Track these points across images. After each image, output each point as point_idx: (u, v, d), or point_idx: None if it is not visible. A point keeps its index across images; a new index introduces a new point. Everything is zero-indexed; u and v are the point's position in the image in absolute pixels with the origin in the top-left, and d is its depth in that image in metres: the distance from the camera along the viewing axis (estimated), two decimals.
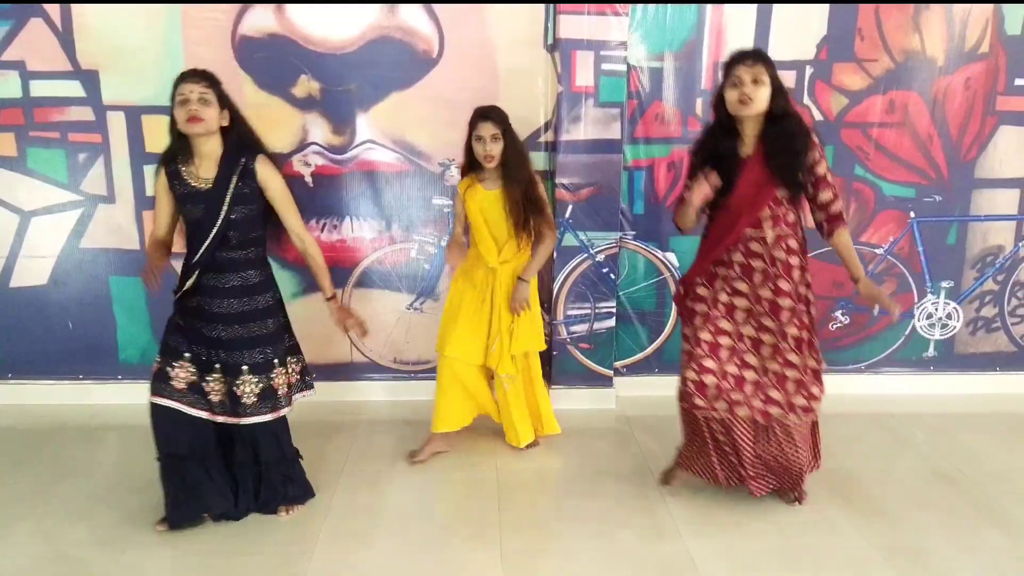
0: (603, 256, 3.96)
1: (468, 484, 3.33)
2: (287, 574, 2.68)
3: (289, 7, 3.73)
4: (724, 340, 2.94)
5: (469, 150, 3.32)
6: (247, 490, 2.98)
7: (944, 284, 4.22)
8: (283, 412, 2.95)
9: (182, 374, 2.82)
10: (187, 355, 2.83)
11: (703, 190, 2.82)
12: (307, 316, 4.07)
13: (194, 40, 3.74)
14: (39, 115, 3.82)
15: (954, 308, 4.25)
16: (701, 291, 2.99)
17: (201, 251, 2.76)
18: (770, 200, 2.82)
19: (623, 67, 3.73)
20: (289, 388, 2.98)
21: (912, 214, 4.11)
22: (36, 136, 3.84)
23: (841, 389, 4.21)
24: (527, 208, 3.30)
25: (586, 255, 3.96)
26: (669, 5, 3.74)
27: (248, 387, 2.85)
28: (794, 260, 2.87)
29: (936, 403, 4.16)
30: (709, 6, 3.75)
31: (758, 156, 2.82)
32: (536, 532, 2.95)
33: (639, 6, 3.72)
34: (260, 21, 3.75)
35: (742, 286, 2.92)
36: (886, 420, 3.94)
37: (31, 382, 4.12)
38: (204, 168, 2.76)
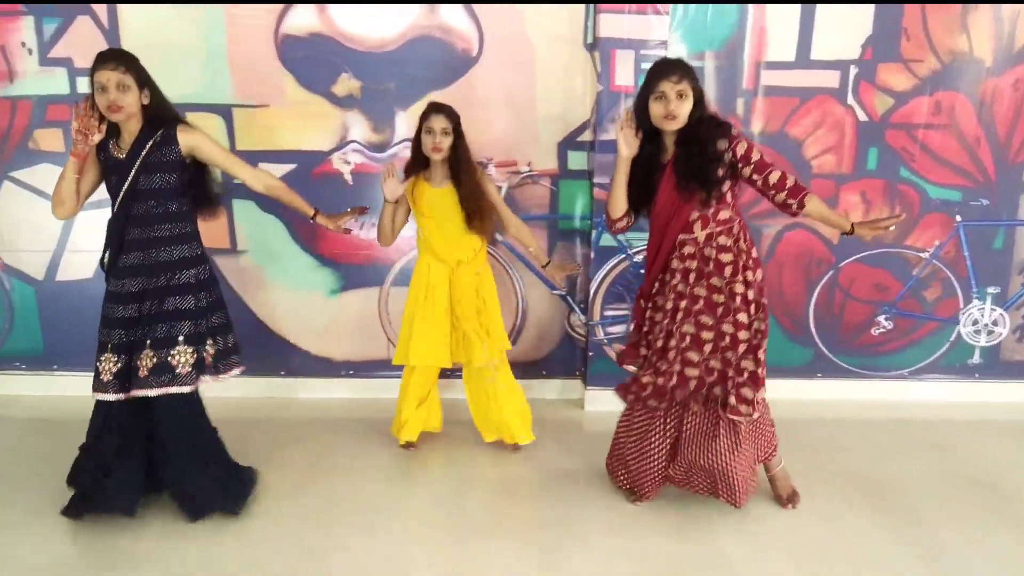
0: (641, 257, 3.93)
1: (502, 482, 3.34)
2: (322, 566, 2.71)
3: (332, 7, 3.77)
4: (671, 343, 2.91)
5: (416, 145, 3.33)
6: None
7: (990, 290, 4.12)
8: (174, 390, 2.86)
9: (107, 367, 2.84)
10: (109, 346, 2.84)
11: (628, 138, 2.83)
12: (347, 313, 4.15)
13: (237, 38, 3.80)
14: None
15: (1000, 314, 4.15)
16: (658, 299, 2.99)
17: (116, 205, 2.80)
18: (695, 201, 2.82)
19: None
20: (194, 368, 2.89)
21: (958, 218, 4.03)
22: None
23: (884, 395, 4.19)
24: (480, 203, 3.31)
25: (624, 255, 3.94)
26: (711, 5, 3.71)
27: (146, 360, 2.84)
28: (725, 256, 2.85)
29: (980, 411, 4.08)
30: (751, 5, 3.71)
31: (676, 160, 2.84)
32: (570, 530, 2.94)
33: (680, 5, 3.69)
34: (302, 20, 3.79)
35: (682, 288, 2.90)
36: (929, 427, 3.87)
37: (75, 374, 4.19)
38: (125, 141, 2.81)
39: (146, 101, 2.78)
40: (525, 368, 4.20)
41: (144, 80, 2.77)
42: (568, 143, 3.95)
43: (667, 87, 2.73)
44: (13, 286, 4.15)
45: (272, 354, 4.19)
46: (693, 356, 2.89)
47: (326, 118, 3.91)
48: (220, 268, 3.88)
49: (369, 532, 2.91)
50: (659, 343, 2.94)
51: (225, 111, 3.87)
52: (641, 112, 2.84)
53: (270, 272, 4.10)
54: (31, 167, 3.97)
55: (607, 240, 3.92)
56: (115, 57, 2.72)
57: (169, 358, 2.86)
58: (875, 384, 4.22)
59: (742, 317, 2.85)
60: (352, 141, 3.95)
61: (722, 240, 2.86)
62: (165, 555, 2.78)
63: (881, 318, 4.16)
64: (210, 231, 3.05)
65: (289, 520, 2.99)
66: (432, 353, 3.40)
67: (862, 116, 3.88)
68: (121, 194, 2.79)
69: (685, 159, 2.79)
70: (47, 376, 4.24)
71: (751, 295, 2.87)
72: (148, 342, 2.83)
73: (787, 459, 3.32)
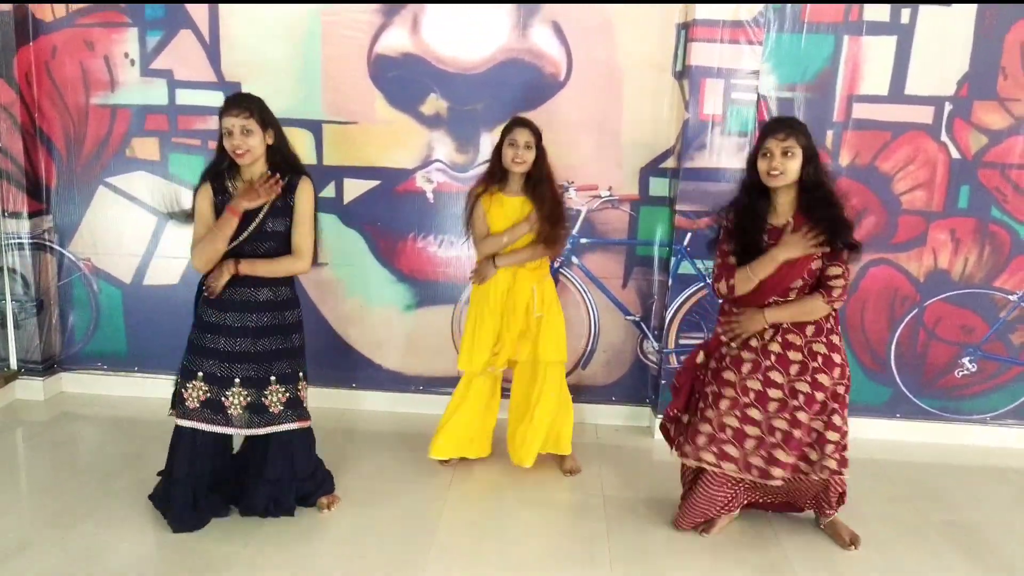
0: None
1: (576, 508, 3.31)
2: None
3: (425, 29, 3.83)
4: (728, 392, 2.89)
5: (496, 157, 3.37)
6: (255, 503, 3.03)
7: None
8: (308, 423, 3.04)
9: (195, 393, 2.89)
10: (200, 374, 2.89)
11: (806, 246, 2.75)
12: (421, 328, 4.18)
13: (331, 56, 3.88)
14: (183, 122, 4.01)
15: None
16: (724, 350, 2.95)
17: (236, 244, 2.83)
18: (805, 272, 2.79)
19: (753, 96, 3.69)
20: (306, 400, 3.07)
21: None
22: (179, 142, 4.04)
23: (963, 439, 4.07)
24: (556, 222, 3.35)
25: (702, 284, 3.91)
26: (805, 35, 3.68)
27: (275, 396, 2.94)
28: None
29: None
30: (847, 37, 3.67)
31: (798, 228, 2.78)
32: (647, 562, 2.90)
33: (773, 34, 3.66)
34: (396, 40, 3.86)
35: (755, 343, 2.87)
36: (1014, 475, 3.75)
37: (155, 376, 4.29)
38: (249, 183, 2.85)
39: (270, 141, 2.85)
40: (593, 392, 4.19)
41: (268, 122, 2.84)
42: (650, 169, 3.95)
43: (773, 144, 2.74)
44: (100, 288, 4.27)
45: (344, 366, 4.24)
46: (755, 415, 2.87)
47: (412, 136, 3.96)
48: (300, 279, 3.93)
49: (432, 554, 2.91)
50: (721, 396, 2.92)
51: (315, 126, 3.95)
52: (751, 168, 2.85)
53: (348, 285, 4.16)
54: (127, 174, 4.10)
55: (685, 268, 3.89)
56: (238, 103, 2.80)
57: (298, 392, 3.01)
58: (955, 428, 4.10)
59: (823, 379, 2.80)
60: (436, 160, 3.99)
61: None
62: (274, 554, 2.85)
63: (965, 360, 4.05)
64: None
65: (352, 534, 3.01)
66: (477, 358, 3.48)
67: (955, 154, 3.79)
68: (245, 234, 2.83)
69: (819, 219, 2.75)
70: (128, 377, 4.35)
71: (836, 358, 2.82)
72: (272, 378, 2.94)
73: (870, 501, 3.25)
